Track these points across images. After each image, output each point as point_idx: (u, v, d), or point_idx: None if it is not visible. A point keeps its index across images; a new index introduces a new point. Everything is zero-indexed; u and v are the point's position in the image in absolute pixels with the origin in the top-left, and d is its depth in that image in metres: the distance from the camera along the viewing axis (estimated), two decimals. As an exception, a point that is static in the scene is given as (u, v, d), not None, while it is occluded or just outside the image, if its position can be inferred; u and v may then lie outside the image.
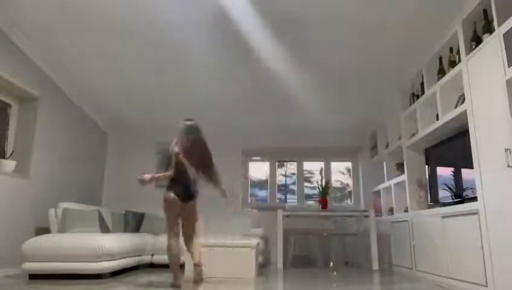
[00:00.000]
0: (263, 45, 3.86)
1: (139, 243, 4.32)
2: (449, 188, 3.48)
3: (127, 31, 3.75)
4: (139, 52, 4.12)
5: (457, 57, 3.25)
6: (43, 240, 3.52)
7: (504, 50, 2.54)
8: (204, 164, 3.36)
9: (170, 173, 3.21)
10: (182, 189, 3.22)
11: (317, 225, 5.20)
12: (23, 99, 4.36)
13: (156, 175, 3.27)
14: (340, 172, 6.30)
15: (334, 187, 6.14)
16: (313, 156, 6.18)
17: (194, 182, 3.31)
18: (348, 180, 6.27)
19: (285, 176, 6.35)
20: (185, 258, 3.95)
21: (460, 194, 3.25)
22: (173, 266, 3.21)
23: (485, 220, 2.73)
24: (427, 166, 3.94)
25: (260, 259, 4.41)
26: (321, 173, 5.91)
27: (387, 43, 3.75)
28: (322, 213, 5.03)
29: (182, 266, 3.66)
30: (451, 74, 3.30)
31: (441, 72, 3.57)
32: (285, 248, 5.05)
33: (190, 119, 3.46)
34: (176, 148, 3.29)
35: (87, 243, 3.48)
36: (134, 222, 5.07)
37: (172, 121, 5.85)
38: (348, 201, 6.23)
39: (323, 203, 5.12)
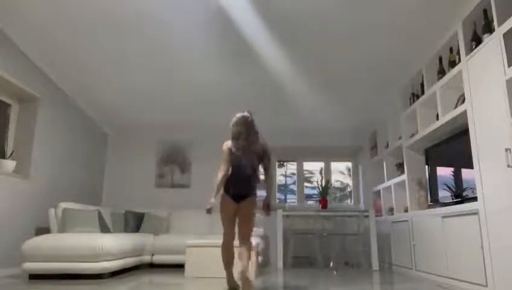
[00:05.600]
0: (263, 45, 3.85)
1: (139, 243, 4.32)
2: (449, 188, 3.48)
3: (127, 31, 3.75)
4: (139, 52, 4.12)
5: (457, 57, 3.25)
6: (43, 240, 3.52)
7: (504, 50, 2.54)
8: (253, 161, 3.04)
9: (223, 173, 2.93)
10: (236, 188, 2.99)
11: (317, 225, 5.20)
12: (23, 99, 4.36)
13: (215, 189, 2.92)
14: (340, 172, 6.30)
15: (334, 187, 6.14)
16: (313, 156, 6.18)
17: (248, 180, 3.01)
18: (348, 180, 6.27)
19: (285, 176, 6.35)
20: (186, 257, 3.95)
21: (460, 194, 3.25)
22: (225, 267, 3.05)
23: (485, 220, 2.73)
24: (427, 166, 3.94)
25: (260, 259, 4.41)
26: (321, 173, 5.91)
27: (387, 43, 3.74)
28: (322, 213, 5.03)
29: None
30: (451, 74, 3.30)
31: (441, 72, 3.57)
32: (285, 248, 5.05)
33: (243, 112, 2.99)
34: (229, 145, 3.01)
35: (87, 243, 3.48)
36: (134, 222, 5.07)
37: (172, 121, 5.90)
38: (348, 201, 6.23)
39: (323, 203, 5.12)
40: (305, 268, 4.87)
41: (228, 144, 3.01)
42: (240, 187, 2.98)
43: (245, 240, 2.94)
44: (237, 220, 3.01)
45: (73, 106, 5.17)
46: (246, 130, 2.89)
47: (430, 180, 3.85)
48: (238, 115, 2.94)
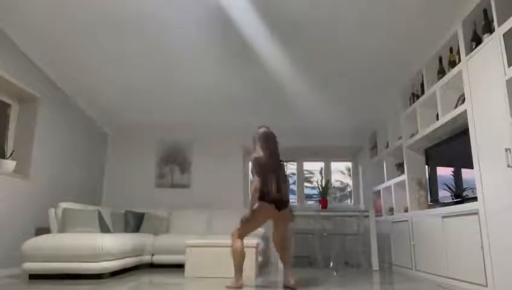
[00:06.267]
0: (263, 45, 3.85)
1: (139, 243, 4.31)
2: (449, 188, 3.48)
3: (127, 31, 3.75)
4: (139, 52, 4.12)
5: (457, 57, 3.25)
6: (43, 240, 3.52)
7: (504, 50, 2.54)
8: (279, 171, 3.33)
9: (258, 184, 3.10)
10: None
11: (317, 225, 5.20)
12: (23, 99, 4.36)
13: (251, 199, 3.12)
14: (340, 172, 6.30)
15: (334, 187, 6.14)
16: (313, 156, 6.18)
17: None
18: (348, 180, 6.27)
19: (285, 176, 6.34)
20: (186, 257, 3.94)
21: (460, 194, 3.25)
22: (237, 267, 3.16)
23: (485, 220, 2.73)
24: (427, 166, 3.94)
25: (260, 259, 4.41)
26: (321, 173, 5.91)
27: (388, 43, 3.75)
28: (322, 213, 5.03)
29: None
30: (451, 74, 3.30)
31: (441, 72, 3.57)
32: (285, 248, 5.04)
33: (265, 127, 3.40)
34: (261, 155, 3.22)
35: (87, 243, 3.47)
36: (134, 222, 5.07)
37: (172, 121, 5.90)
38: (348, 201, 6.23)
39: (323, 203, 5.12)
40: (305, 268, 4.87)
41: (257, 155, 3.22)
42: (276, 194, 3.18)
43: (287, 238, 3.41)
44: (275, 223, 3.32)
45: (73, 106, 5.17)
46: (271, 145, 3.29)
47: (430, 180, 3.85)
48: (262, 130, 3.31)
